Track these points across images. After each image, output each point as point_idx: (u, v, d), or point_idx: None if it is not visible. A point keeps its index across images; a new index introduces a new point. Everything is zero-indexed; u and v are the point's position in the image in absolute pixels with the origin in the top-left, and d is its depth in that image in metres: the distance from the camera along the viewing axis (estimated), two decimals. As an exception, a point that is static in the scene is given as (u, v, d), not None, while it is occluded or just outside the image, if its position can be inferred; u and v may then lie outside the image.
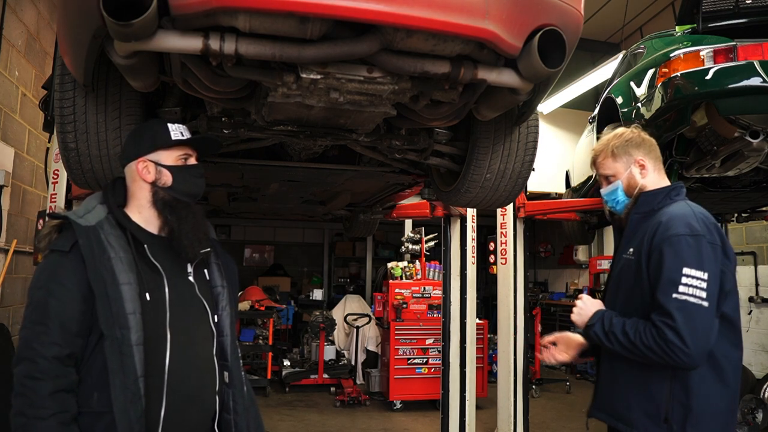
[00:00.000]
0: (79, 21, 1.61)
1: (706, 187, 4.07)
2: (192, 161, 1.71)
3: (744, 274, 6.52)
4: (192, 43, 1.56)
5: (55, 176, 4.19)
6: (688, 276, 1.62)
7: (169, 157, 1.65)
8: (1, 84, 4.86)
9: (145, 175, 1.62)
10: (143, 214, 1.63)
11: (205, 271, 1.73)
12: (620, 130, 1.97)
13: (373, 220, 5.62)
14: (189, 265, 1.67)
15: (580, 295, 1.93)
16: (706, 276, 1.63)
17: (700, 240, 1.67)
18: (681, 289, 1.62)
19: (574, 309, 1.87)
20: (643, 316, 1.71)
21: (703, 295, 1.61)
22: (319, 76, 1.74)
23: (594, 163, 2.01)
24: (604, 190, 1.98)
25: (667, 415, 1.68)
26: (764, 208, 5.13)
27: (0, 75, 4.82)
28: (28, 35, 5.39)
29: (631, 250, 1.83)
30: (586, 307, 1.85)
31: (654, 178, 1.91)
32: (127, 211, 1.63)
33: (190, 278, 1.66)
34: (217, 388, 1.65)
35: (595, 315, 1.80)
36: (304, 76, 1.73)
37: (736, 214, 5.38)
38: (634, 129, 1.96)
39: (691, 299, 1.61)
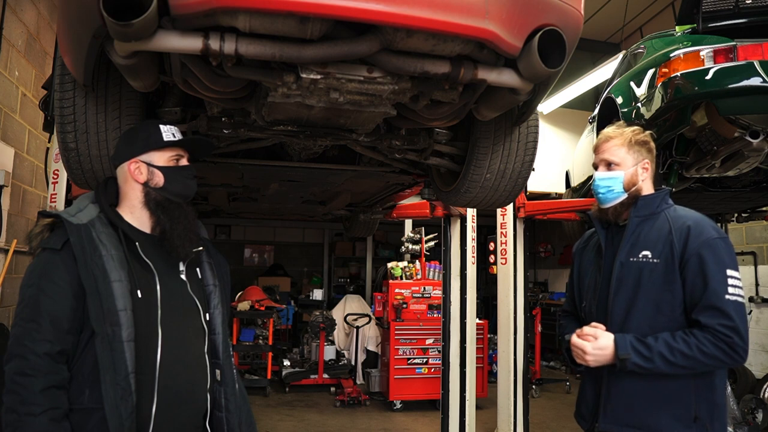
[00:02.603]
0: (79, 21, 1.61)
1: (706, 187, 4.07)
2: (184, 162, 1.72)
3: (744, 274, 6.48)
4: (192, 43, 1.56)
5: (55, 176, 4.18)
6: (731, 277, 1.71)
7: (161, 158, 1.66)
8: (1, 84, 4.85)
9: (137, 176, 1.63)
10: (135, 214, 1.64)
11: (197, 269, 1.74)
12: (637, 128, 1.94)
13: (373, 220, 5.62)
14: (181, 264, 1.67)
15: (583, 334, 1.81)
16: (739, 275, 1.73)
17: (727, 241, 1.77)
18: (730, 290, 1.69)
19: (588, 357, 1.77)
20: (675, 320, 1.75)
21: (742, 293, 1.71)
22: (319, 76, 1.74)
23: (603, 144, 1.93)
24: (601, 174, 1.92)
25: (696, 414, 1.72)
26: (764, 208, 5.13)
27: (0, 75, 4.82)
28: (28, 35, 5.38)
29: (647, 253, 1.80)
30: (602, 345, 1.76)
31: (648, 185, 1.94)
32: (119, 211, 1.64)
33: (182, 276, 1.67)
34: (208, 386, 1.65)
35: (621, 347, 1.72)
36: (304, 76, 1.73)
37: (736, 214, 5.38)
38: (649, 133, 1.94)
39: (739, 299, 1.69)
